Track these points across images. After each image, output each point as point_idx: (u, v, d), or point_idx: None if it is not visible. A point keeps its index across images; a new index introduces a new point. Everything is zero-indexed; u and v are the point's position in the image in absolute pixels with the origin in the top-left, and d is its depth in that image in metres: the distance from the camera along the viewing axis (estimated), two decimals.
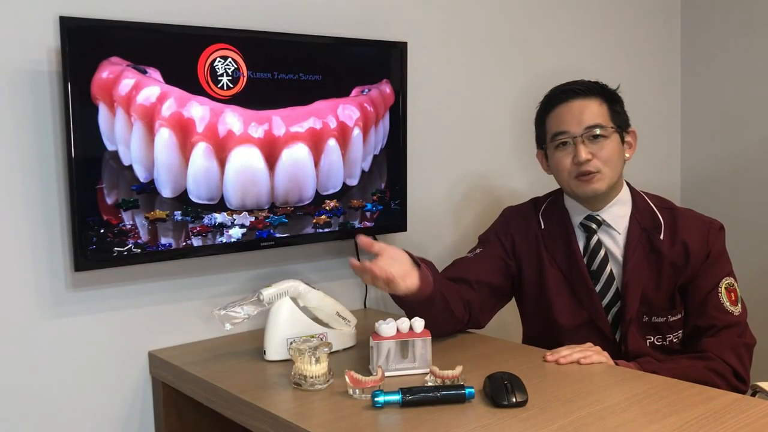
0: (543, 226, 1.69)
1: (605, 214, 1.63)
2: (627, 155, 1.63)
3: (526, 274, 1.69)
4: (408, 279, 1.41)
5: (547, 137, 1.64)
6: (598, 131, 1.56)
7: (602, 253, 1.62)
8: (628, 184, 1.67)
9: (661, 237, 1.60)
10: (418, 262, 1.48)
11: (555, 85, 1.66)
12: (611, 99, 1.61)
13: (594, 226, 1.63)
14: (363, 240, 1.42)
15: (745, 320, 1.59)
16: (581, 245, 1.64)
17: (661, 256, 1.59)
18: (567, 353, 1.46)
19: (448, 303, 1.53)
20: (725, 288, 1.58)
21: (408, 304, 1.48)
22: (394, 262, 1.41)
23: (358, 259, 1.97)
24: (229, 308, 1.49)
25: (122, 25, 1.50)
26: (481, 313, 1.64)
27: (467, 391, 1.24)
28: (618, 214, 1.63)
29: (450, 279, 1.62)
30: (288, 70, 1.69)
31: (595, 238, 1.63)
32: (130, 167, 1.52)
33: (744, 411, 1.19)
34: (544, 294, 1.65)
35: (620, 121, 1.61)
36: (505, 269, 1.69)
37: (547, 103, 1.65)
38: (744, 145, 2.70)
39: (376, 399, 1.22)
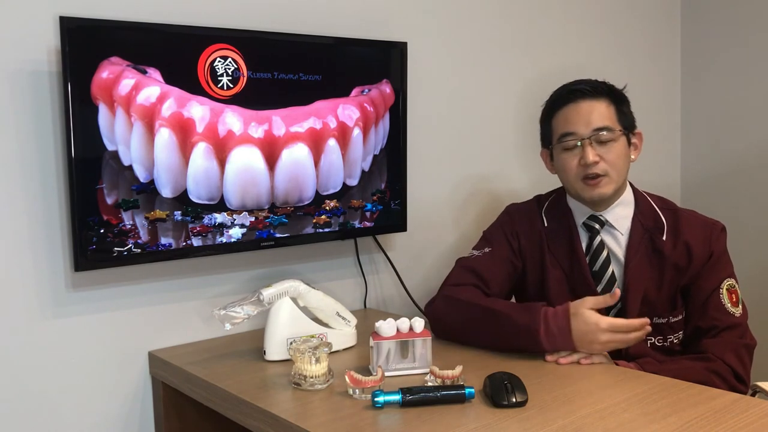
0: (546, 224, 1.69)
1: (608, 215, 1.63)
2: (633, 157, 1.62)
3: (529, 273, 1.68)
4: None
5: (553, 137, 1.63)
6: (605, 134, 1.56)
7: (605, 253, 1.61)
8: (631, 184, 1.67)
9: (664, 238, 1.60)
10: None
11: (555, 85, 1.66)
12: (618, 100, 1.60)
13: (597, 226, 1.63)
14: None
15: (746, 322, 1.59)
16: (584, 245, 1.64)
17: (663, 257, 1.59)
18: (567, 353, 1.46)
19: None
20: (726, 289, 1.58)
21: None
22: None
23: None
24: (229, 308, 1.49)
25: (122, 25, 1.50)
26: None
27: (467, 391, 1.24)
28: (621, 214, 1.63)
29: (471, 284, 1.63)
30: (288, 70, 1.69)
31: (598, 239, 1.62)
32: (130, 167, 1.52)
33: (744, 411, 1.20)
34: (545, 295, 1.65)
35: (627, 123, 1.60)
36: (513, 271, 1.69)
37: (553, 102, 1.63)
38: (744, 145, 2.70)
39: (376, 399, 1.22)
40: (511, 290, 1.71)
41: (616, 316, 1.60)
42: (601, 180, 1.56)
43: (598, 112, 1.57)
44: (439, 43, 2.12)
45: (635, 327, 1.43)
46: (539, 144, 1.71)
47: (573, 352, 1.46)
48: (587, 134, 1.56)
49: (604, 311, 1.61)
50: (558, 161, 1.62)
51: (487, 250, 1.69)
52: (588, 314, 1.43)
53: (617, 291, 1.47)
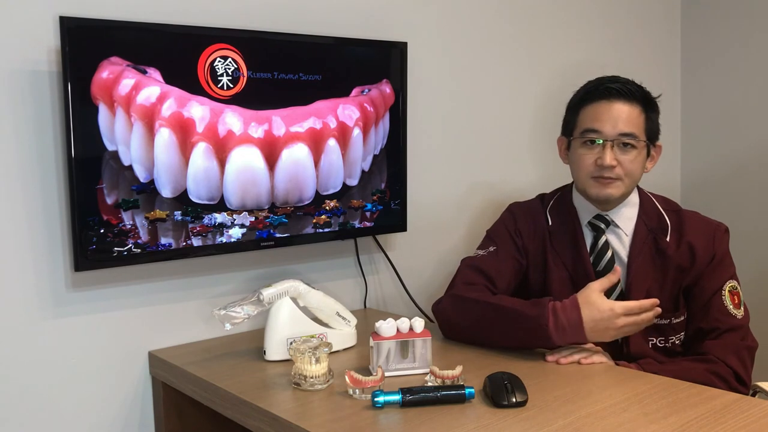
0: (550, 223, 1.69)
1: (614, 215, 1.63)
2: (647, 167, 1.62)
3: (532, 272, 1.68)
4: None
5: (576, 129, 1.61)
6: (630, 140, 1.55)
7: (609, 253, 1.61)
8: (637, 185, 1.66)
9: (667, 239, 1.60)
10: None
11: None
12: (651, 108, 1.59)
13: (603, 225, 1.63)
14: None
15: (748, 324, 1.58)
16: (588, 244, 1.64)
17: (667, 257, 1.59)
18: (567, 353, 1.46)
19: None
20: (729, 291, 1.58)
21: None
22: None
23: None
24: (229, 308, 1.49)
25: (122, 25, 1.50)
26: None
27: (467, 391, 1.24)
28: (627, 215, 1.63)
29: (478, 284, 1.62)
30: (288, 70, 1.69)
31: (603, 239, 1.62)
32: (130, 167, 1.52)
33: (744, 411, 1.20)
34: (547, 294, 1.64)
35: (652, 133, 1.60)
36: (519, 270, 1.68)
37: (586, 93, 1.60)
38: (744, 145, 2.70)
39: (376, 399, 1.22)
40: (517, 288, 1.71)
41: None
42: (613, 182, 1.56)
43: (628, 117, 1.55)
44: (439, 43, 2.12)
45: (647, 307, 1.43)
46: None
47: (574, 351, 1.46)
48: (612, 137, 1.54)
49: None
50: (574, 154, 1.61)
51: (492, 248, 1.68)
52: (600, 302, 1.42)
53: (617, 268, 1.49)
